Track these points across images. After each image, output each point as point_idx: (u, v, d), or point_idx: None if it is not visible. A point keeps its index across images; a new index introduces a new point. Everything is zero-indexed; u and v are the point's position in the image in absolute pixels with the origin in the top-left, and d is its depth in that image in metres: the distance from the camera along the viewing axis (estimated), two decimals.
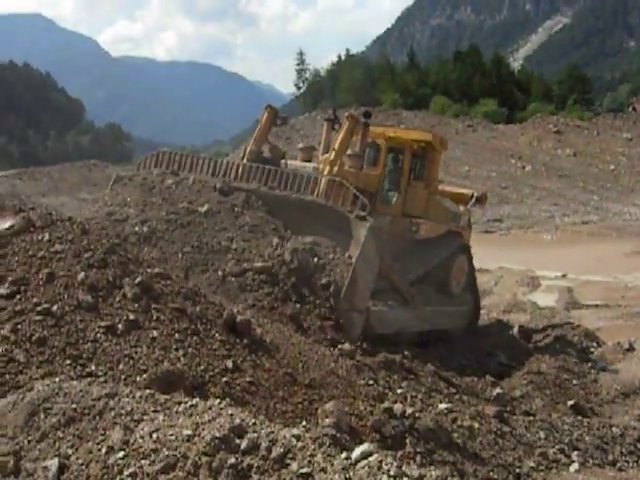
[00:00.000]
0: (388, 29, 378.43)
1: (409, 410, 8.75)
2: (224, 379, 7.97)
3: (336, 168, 16.01)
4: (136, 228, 13.91)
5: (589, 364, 16.72)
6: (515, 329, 19.56)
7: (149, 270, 9.39)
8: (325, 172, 15.97)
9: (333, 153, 16.54)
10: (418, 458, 7.60)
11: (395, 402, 9.10)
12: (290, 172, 16.03)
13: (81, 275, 8.75)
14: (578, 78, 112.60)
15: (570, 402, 13.52)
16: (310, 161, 18.39)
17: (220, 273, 13.24)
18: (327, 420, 6.40)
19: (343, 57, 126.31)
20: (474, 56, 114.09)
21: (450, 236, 18.87)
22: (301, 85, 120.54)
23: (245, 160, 16.92)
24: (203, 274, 13.10)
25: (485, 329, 19.98)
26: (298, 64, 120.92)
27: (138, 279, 8.93)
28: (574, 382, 14.99)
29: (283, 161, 17.39)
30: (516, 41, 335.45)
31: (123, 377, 7.52)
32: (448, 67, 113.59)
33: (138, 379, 7.45)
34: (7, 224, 9.66)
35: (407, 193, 18.30)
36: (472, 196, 20.64)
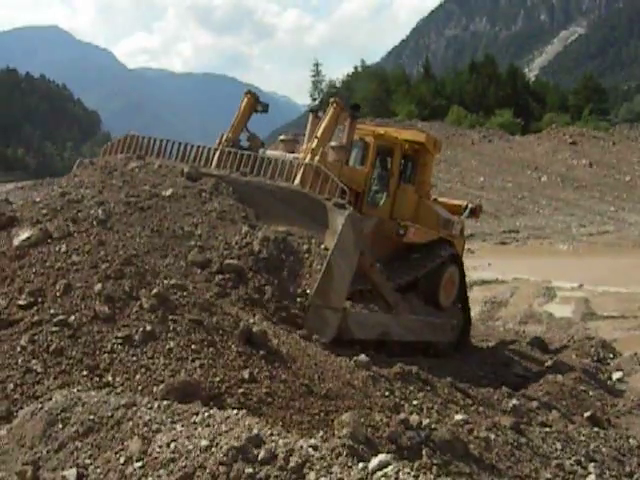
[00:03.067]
0: (403, 40, 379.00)
1: (425, 421, 8.73)
2: (240, 390, 7.98)
3: (317, 158, 14.74)
4: (91, 211, 12.52)
5: (606, 375, 16.65)
6: (531, 340, 19.48)
7: (166, 281, 9.42)
8: (305, 161, 14.78)
9: (315, 141, 15.33)
10: (434, 469, 7.59)
11: (411, 413, 9.08)
12: (264, 157, 14.91)
13: (98, 286, 8.81)
14: (594, 88, 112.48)
15: (587, 413, 13.44)
16: (293, 153, 16.67)
17: (182, 263, 11.89)
18: (344, 431, 6.39)
19: (359, 68, 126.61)
20: (489, 67, 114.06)
21: (441, 244, 17.60)
22: (317, 96, 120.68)
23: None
24: (162, 259, 11.78)
25: (501, 340, 19.88)
26: (314, 75, 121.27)
27: (155, 290, 8.96)
28: (591, 393, 14.91)
29: (261, 150, 16.15)
30: (531, 52, 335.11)
31: (140, 388, 7.56)
32: (463, 78, 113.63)
33: (155, 390, 7.48)
34: (25, 235, 9.73)
35: (396, 196, 17.10)
36: (466, 207, 19.74)
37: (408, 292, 16.22)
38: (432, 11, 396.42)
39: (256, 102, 16.95)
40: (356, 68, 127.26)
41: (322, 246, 12.90)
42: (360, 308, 14.11)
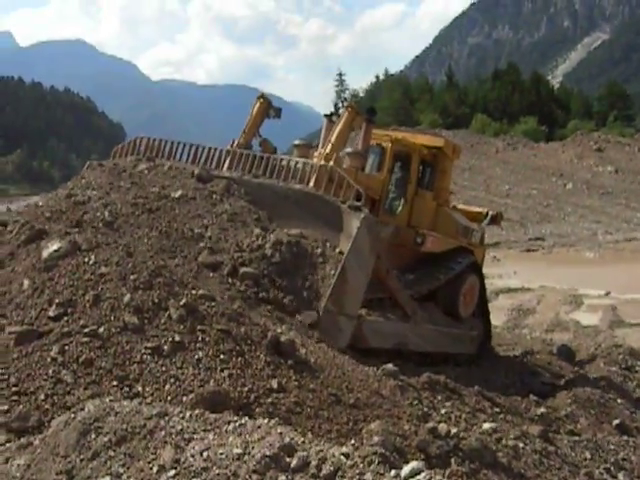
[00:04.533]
0: (426, 48, 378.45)
1: (453, 430, 8.72)
2: (269, 399, 8.00)
3: (331, 163, 14.20)
4: (97, 213, 12.32)
5: (634, 383, 16.55)
6: (558, 348, 19.38)
7: (194, 292, 9.47)
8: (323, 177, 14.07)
9: (329, 146, 14.96)
10: (464, 478, 7.58)
11: (439, 422, 9.07)
12: (277, 159, 14.49)
13: (127, 297, 8.87)
14: (618, 94, 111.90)
15: (615, 421, 13.38)
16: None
17: (193, 265, 11.60)
18: (375, 438, 6.40)
19: (382, 77, 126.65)
20: (513, 74, 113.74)
21: (460, 252, 17.02)
22: (340, 106, 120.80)
23: None
24: (171, 261, 11.45)
25: (528, 348, 19.78)
26: (337, 85, 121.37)
27: (183, 300, 9.02)
28: (619, 401, 14.82)
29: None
30: (555, 58, 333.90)
31: (169, 398, 7.61)
32: (487, 86, 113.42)
33: (184, 400, 7.53)
34: (54, 247, 9.80)
35: (414, 203, 16.50)
36: (487, 214, 19.04)
37: (426, 302, 15.79)
38: (455, 19, 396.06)
39: (269, 107, 16.64)
40: (378, 77, 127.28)
41: (337, 250, 12.59)
42: (376, 316, 13.80)
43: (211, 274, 11.50)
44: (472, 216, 18.65)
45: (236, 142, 15.92)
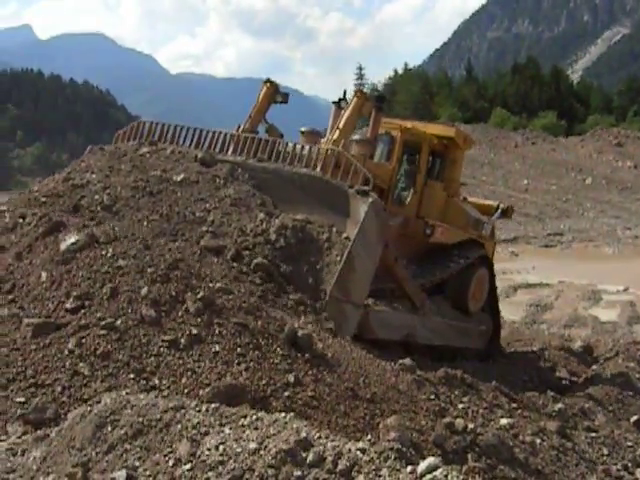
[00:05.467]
0: (445, 43, 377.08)
1: (470, 425, 8.71)
2: (286, 393, 8.01)
3: (343, 156, 13.52)
4: (96, 196, 12.07)
5: None
6: (577, 344, 19.30)
7: (211, 285, 9.47)
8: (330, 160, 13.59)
9: (337, 132, 14.51)
10: (481, 474, 7.56)
11: (456, 417, 9.05)
12: (283, 143, 14.07)
13: (144, 290, 8.88)
14: (638, 89, 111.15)
15: (633, 418, 13.30)
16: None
17: (196, 249, 11.14)
18: (392, 434, 6.38)
19: (400, 71, 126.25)
20: (532, 68, 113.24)
21: (470, 245, 16.61)
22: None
23: None
24: (172, 244, 11.05)
25: (546, 344, 19.69)
26: (357, 78, 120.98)
27: (200, 294, 9.03)
28: (637, 397, 14.75)
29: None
30: (575, 53, 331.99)
31: (186, 391, 7.62)
32: (506, 80, 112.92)
33: (201, 393, 7.54)
34: (71, 240, 9.82)
35: (423, 193, 15.99)
36: (497, 207, 18.40)
37: (434, 294, 15.47)
38: (474, 13, 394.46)
39: (275, 92, 16.17)
40: (397, 71, 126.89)
41: (343, 235, 12.21)
42: (384, 306, 13.48)
43: (215, 259, 11.13)
44: (482, 209, 18.17)
45: (242, 127, 15.57)
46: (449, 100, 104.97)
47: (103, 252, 9.62)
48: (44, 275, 9.39)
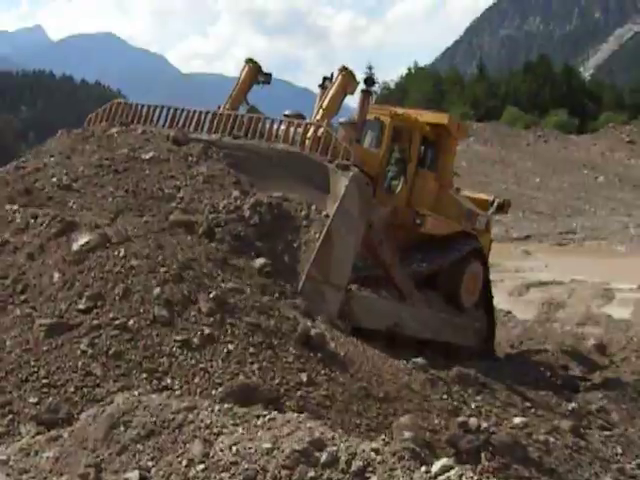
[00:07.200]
0: (457, 41, 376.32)
1: (484, 424, 8.69)
2: (299, 393, 8.00)
3: (322, 130, 12.73)
4: (53, 178, 11.55)
5: None
6: (590, 342, 19.23)
7: (223, 285, 9.46)
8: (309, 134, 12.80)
9: (320, 112, 13.73)
10: (495, 474, 7.54)
11: (470, 416, 9.04)
12: (260, 119, 13.30)
13: (157, 290, 8.87)
14: None
15: None
16: None
17: (165, 224, 10.62)
18: (406, 434, 6.36)
19: (412, 70, 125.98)
20: (544, 66, 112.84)
21: (464, 237, 15.92)
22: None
23: None
24: (138, 219, 10.64)
25: (559, 342, 19.63)
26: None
27: (213, 293, 9.02)
28: None
29: None
30: (586, 50, 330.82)
31: (199, 391, 7.61)
32: (518, 78, 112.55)
33: (214, 393, 7.53)
34: (83, 240, 9.82)
35: (414, 183, 15.31)
36: (493, 202, 17.77)
37: (425, 287, 14.87)
38: (485, 11, 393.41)
39: (258, 72, 15.45)
40: (409, 69, 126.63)
41: (323, 213, 11.53)
42: (369, 293, 12.92)
43: (188, 237, 10.62)
44: (477, 203, 17.50)
45: (222, 108, 14.70)
46: (461, 98, 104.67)
47: (115, 252, 9.60)
48: (56, 275, 9.38)
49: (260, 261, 10.84)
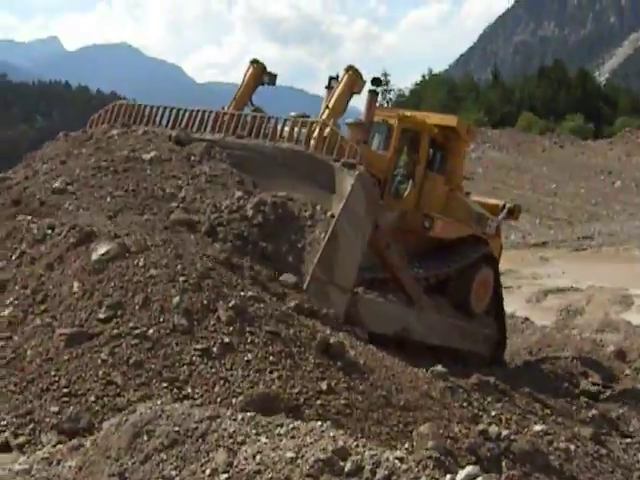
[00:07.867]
0: (471, 47, 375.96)
1: (504, 432, 8.66)
2: (319, 401, 7.99)
3: (328, 130, 12.62)
4: (46, 184, 11.34)
5: None
6: (609, 349, 19.14)
7: (242, 293, 9.46)
8: (314, 134, 12.61)
9: (326, 112, 13.69)
10: None
11: (490, 424, 9.01)
12: (264, 118, 13.17)
13: (176, 299, 8.88)
14: None
15: None
16: None
17: (167, 223, 10.54)
18: (429, 442, 6.35)
19: (427, 76, 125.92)
20: (559, 71, 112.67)
21: (474, 242, 15.70)
22: (385, 105, 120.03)
23: None
24: (139, 217, 10.57)
25: (578, 349, 19.54)
26: (383, 85, 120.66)
27: (232, 302, 9.01)
28: None
29: None
30: (601, 55, 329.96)
31: (219, 400, 7.62)
32: (533, 83, 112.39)
33: (234, 401, 7.54)
34: (103, 250, 9.85)
35: (423, 186, 15.17)
36: (503, 207, 17.36)
37: (434, 292, 14.67)
38: (499, 17, 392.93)
39: (262, 73, 15.31)
40: (424, 76, 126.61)
41: (328, 213, 11.31)
42: (375, 296, 12.69)
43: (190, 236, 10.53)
44: (487, 208, 17.22)
45: (226, 109, 14.57)
46: (476, 105, 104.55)
47: (135, 262, 9.62)
48: (76, 285, 9.40)
49: (292, 279, 10.68)
